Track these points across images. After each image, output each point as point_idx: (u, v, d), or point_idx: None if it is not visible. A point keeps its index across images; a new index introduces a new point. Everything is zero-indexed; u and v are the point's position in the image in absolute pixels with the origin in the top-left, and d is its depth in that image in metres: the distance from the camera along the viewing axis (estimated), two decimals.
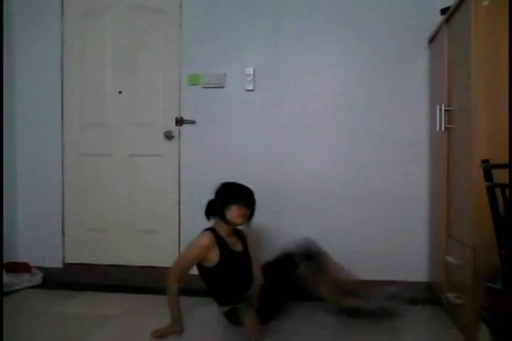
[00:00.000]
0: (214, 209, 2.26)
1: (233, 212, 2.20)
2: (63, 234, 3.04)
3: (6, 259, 2.81)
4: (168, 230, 2.92)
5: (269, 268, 2.30)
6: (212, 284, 2.24)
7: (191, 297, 2.52)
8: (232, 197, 2.22)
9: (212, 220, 2.28)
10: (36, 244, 3.03)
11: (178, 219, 2.90)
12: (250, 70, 2.80)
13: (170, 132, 2.90)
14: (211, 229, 2.23)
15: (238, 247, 2.28)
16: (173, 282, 2.16)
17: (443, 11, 2.33)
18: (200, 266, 2.21)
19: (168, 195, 2.92)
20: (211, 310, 2.33)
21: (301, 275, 2.22)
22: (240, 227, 2.31)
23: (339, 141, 2.73)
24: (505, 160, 1.63)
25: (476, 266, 1.82)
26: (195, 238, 2.21)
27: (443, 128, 2.25)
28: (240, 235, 2.35)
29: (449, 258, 2.14)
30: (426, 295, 2.62)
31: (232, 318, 2.18)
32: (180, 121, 2.88)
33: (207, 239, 2.17)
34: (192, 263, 2.19)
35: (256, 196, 2.63)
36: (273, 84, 2.80)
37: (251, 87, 2.81)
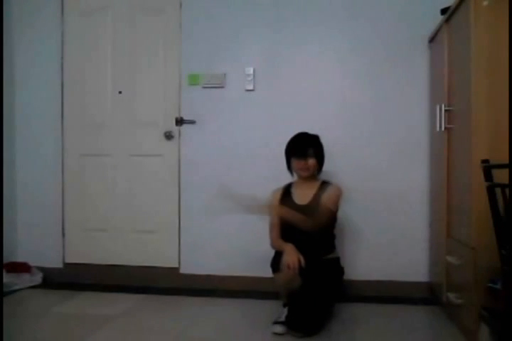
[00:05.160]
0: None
1: (294, 166, 2.34)
2: (63, 234, 3.04)
3: (6, 259, 2.81)
4: (168, 230, 2.92)
5: (317, 269, 2.19)
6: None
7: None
8: (288, 151, 2.36)
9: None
10: (36, 244, 3.03)
11: (178, 219, 2.90)
12: (250, 70, 2.80)
13: (170, 132, 2.90)
14: (288, 184, 2.42)
15: (303, 200, 2.29)
16: (276, 245, 2.27)
17: (443, 11, 2.33)
18: None
19: (168, 195, 2.92)
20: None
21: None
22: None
23: (339, 141, 2.73)
24: (505, 160, 1.62)
25: (476, 266, 1.82)
26: None
27: (443, 128, 2.25)
28: (322, 187, 2.33)
29: (449, 258, 2.14)
30: (426, 295, 2.62)
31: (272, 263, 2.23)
32: (180, 121, 2.88)
33: (273, 191, 2.40)
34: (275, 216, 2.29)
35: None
36: (273, 84, 2.80)
37: (251, 87, 2.81)
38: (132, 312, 2.43)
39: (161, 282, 2.88)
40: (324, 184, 2.36)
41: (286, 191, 2.38)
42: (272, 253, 2.29)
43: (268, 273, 2.26)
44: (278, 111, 2.79)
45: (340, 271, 2.34)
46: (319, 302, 2.13)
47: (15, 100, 3.05)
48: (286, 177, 2.40)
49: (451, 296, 2.09)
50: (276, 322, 2.12)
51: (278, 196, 2.37)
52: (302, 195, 2.32)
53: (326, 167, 2.40)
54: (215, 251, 2.84)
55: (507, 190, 1.41)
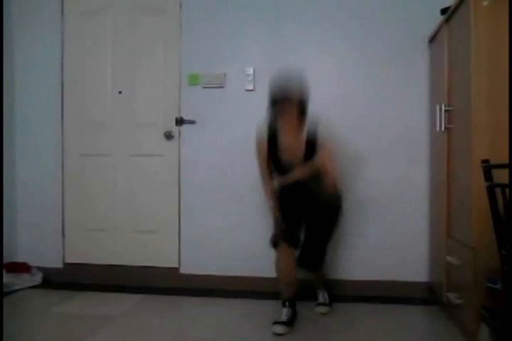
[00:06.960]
0: None
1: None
2: (63, 234, 3.04)
3: (6, 259, 2.81)
4: (168, 230, 2.92)
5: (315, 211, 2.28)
6: None
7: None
8: (268, 95, 2.25)
9: None
10: (36, 244, 3.03)
11: (178, 219, 2.90)
12: (250, 70, 2.80)
13: (170, 132, 2.90)
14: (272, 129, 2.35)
15: (292, 155, 2.25)
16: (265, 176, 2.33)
17: (443, 11, 2.33)
18: None
19: (168, 195, 2.92)
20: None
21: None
22: None
23: (339, 141, 2.73)
24: (505, 160, 1.63)
25: (476, 266, 1.82)
26: None
27: (443, 128, 2.26)
28: (309, 141, 2.26)
29: (449, 259, 2.14)
30: (426, 295, 2.62)
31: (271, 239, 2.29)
32: (180, 121, 2.88)
33: (258, 135, 2.35)
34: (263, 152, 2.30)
35: (255, 197, 2.63)
36: None
37: (251, 87, 2.81)
38: (132, 312, 2.43)
39: (161, 282, 2.87)
40: (310, 140, 2.25)
41: (272, 140, 2.27)
42: (271, 252, 2.28)
43: (268, 273, 2.26)
44: None
45: (339, 209, 2.34)
46: (322, 246, 2.31)
47: (15, 100, 3.05)
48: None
49: (451, 296, 2.09)
50: (276, 322, 2.13)
51: (265, 144, 2.29)
52: (290, 149, 2.24)
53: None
54: (215, 251, 2.84)
55: (507, 190, 1.41)
